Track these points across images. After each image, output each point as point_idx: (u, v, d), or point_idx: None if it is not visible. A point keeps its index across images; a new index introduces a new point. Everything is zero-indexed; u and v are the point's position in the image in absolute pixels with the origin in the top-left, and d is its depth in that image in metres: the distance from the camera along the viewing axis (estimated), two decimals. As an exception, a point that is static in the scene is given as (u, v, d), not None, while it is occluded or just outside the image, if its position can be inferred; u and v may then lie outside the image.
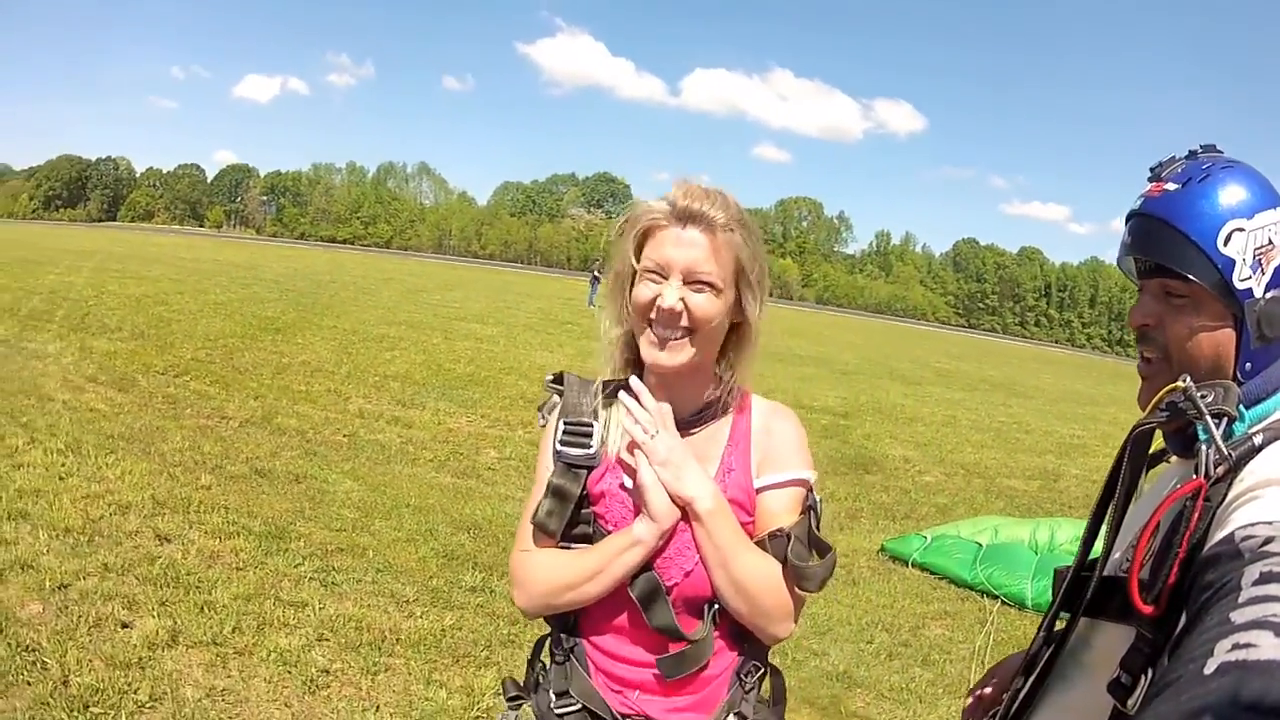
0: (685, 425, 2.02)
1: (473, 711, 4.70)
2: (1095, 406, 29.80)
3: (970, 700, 2.10)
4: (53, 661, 4.45)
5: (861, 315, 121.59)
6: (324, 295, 29.85)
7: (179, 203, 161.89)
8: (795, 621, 1.97)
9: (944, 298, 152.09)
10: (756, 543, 1.94)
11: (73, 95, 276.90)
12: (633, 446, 1.96)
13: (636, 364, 2.05)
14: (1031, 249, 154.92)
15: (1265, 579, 1.05)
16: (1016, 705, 1.73)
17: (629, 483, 1.98)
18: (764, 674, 2.08)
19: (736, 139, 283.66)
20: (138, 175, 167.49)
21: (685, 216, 1.87)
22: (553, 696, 2.04)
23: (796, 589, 1.92)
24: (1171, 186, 1.57)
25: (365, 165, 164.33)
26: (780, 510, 1.97)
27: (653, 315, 1.89)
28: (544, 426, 2.13)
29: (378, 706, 4.63)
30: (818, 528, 1.98)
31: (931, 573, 8.25)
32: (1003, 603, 7.42)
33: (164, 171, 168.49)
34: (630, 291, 1.95)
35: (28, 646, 4.56)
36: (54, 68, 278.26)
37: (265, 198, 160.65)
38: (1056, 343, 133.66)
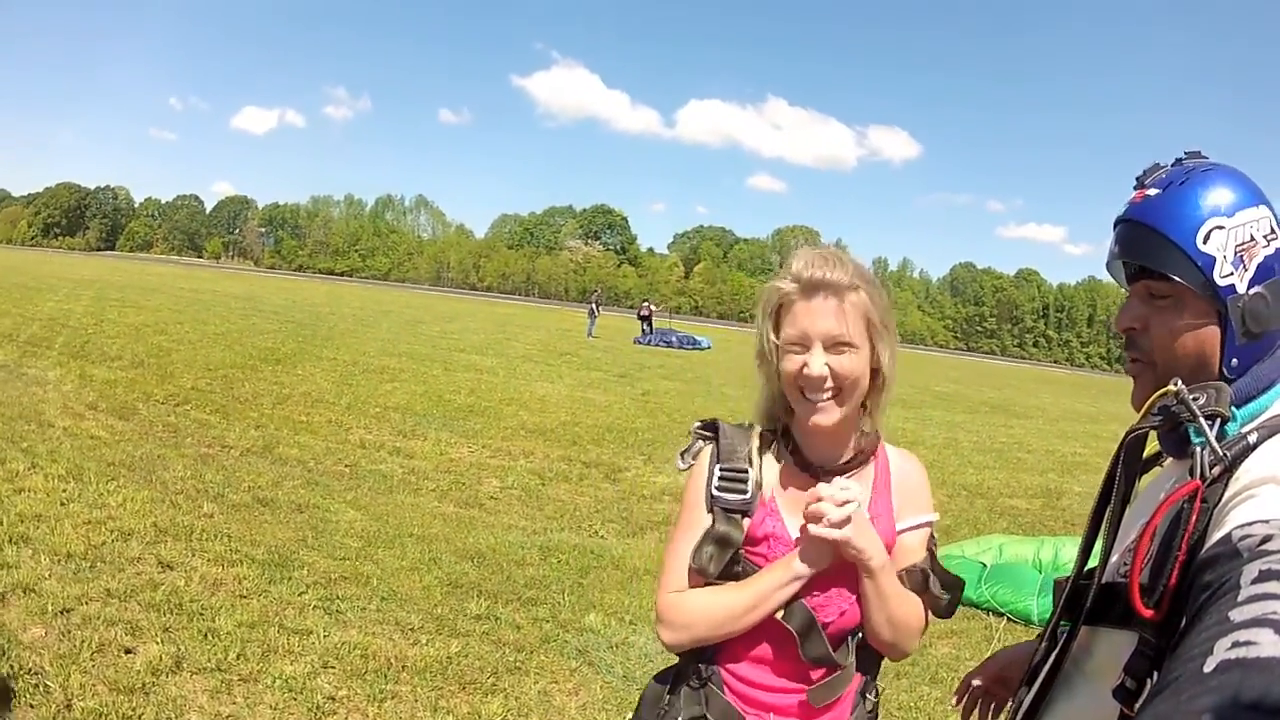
0: (839, 471, 2.11)
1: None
2: (1095, 424, 29.71)
3: (963, 684, 2.20)
4: (55, 685, 4.45)
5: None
6: (323, 327, 29.90)
7: (177, 233, 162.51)
8: (918, 644, 2.17)
9: (942, 322, 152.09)
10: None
11: (71, 124, 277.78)
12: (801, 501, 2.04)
13: (789, 418, 2.16)
14: (1029, 270, 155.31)
15: (1264, 577, 1.06)
16: (1021, 716, 1.74)
17: (794, 530, 2.05)
18: (879, 693, 2.22)
19: (732, 169, 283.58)
20: (136, 205, 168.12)
21: (812, 286, 1.99)
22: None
23: (930, 615, 2.14)
24: (1153, 192, 1.61)
25: (363, 198, 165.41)
26: (912, 549, 2.15)
27: (801, 383, 2.00)
28: (684, 470, 2.22)
29: (384, 733, 4.60)
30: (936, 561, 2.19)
31: None
32: (1008, 619, 7.45)
33: (163, 202, 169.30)
34: (777, 364, 2.06)
35: (30, 670, 4.56)
36: (53, 96, 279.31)
37: (263, 229, 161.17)
38: (1056, 363, 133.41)
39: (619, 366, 28.43)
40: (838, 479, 2.02)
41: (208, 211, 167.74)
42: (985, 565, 8.42)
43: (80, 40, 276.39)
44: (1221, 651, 0.95)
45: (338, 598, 6.28)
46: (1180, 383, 1.48)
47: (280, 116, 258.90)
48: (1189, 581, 1.26)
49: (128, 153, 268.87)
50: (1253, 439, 1.40)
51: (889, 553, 2.07)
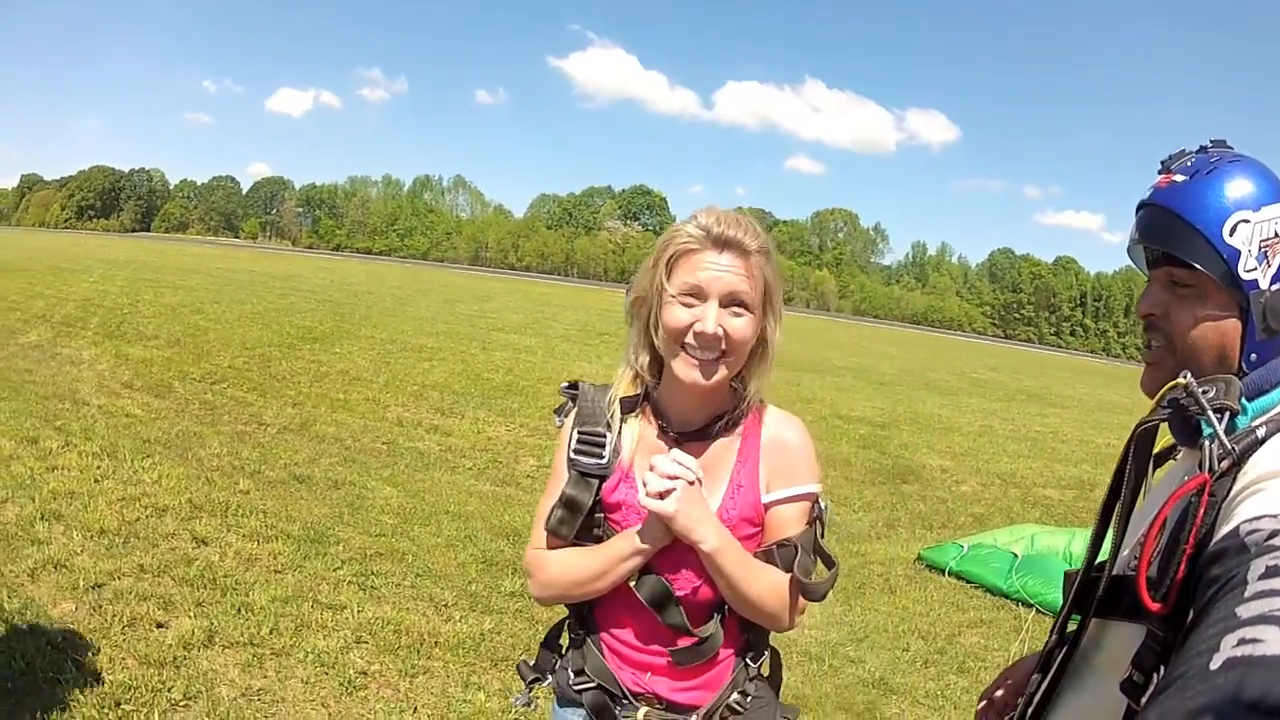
0: (700, 436, 2.12)
1: (510, 715, 4.71)
2: (1131, 415, 29.21)
3: (983, 703, 2.13)
4: (84, 659, 4.48)
5: (898, 326, 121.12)
6: (361, 306, 30.04)
7: (214, 214, 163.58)
8: (797, 620, 2.09)
9: (980, 308, 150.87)
10: (764, 551, 2.06)
11: (103, 108, 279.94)
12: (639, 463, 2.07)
13: (653, 376, 2.16)
14: (1066, 258, 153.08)
15: (1271, 573, 1.06)
16: (1031, 709, 1.75)
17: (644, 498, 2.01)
18: (767, 656, 2.25)
19: (770, 151, 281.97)
20: (171, 187, 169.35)
21: (721, 242, 1.97)
22: (570, 675, 2.21)
23: (801, 597, 2.05)
24: (1179, 178, 1.60)
25: (401, 178, 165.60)
26: (788, 522, 2.09)
27: (689, 339, 1.97)
28: (559, 428, 2.23)
29: (415, 708, 4.64)
30: (823, 536, 2.12)
31: (967, 581, 8.31)
32: (1037, 611, 7.40)
33: (198, 183, 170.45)
34: (658, 313, 2.02)
35: (58, 644, 4.59)
36: (83, 80, 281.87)
37: (301, 210, 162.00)
38: (1092, 352, 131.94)
39: (658, 347, 28.14)
40: (675, 450, 1.99)
41: (244, 192, 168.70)
42: (1016, 555, 8.43)
43: (111, 25, 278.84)
44: (1228, 648, 0.95)
45: (372, 573, 6.31)
46: (1189, 375, 1.49)
47: (315, 98, 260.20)
48: (1196, 575, 1.27)
49: (161, 136, 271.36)
50: (1261, 433, 1.40)
51: (756, 525, 2.09)
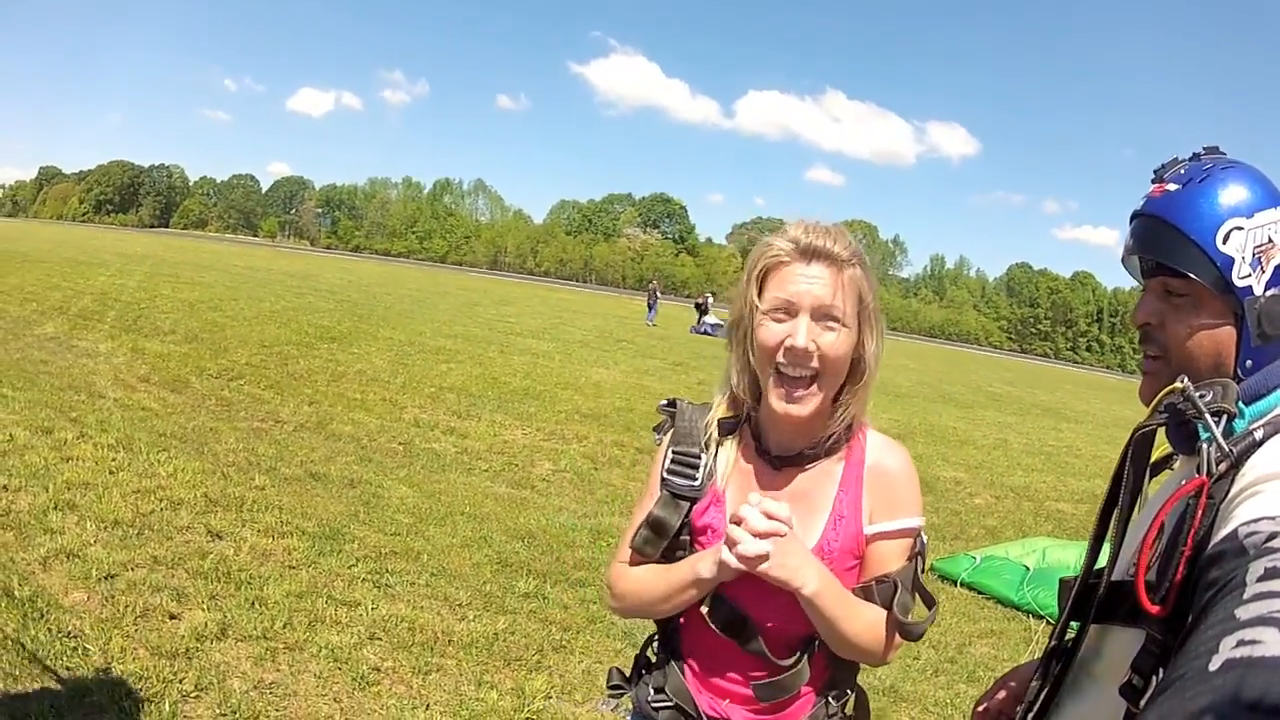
0: (799, 461, 2.04)
1: (523, 713, 4.72)
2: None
3: (982, 706, 2.12)
4: (95, 648, 4.50)
5: (916, 339, 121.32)
6: (379, 307, 30.14)
7: (233, 212, 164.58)
8: (891, 656, 2.03)
9: (997, 322, 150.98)
10: (863, 587, 1.98)
11: (121, 104, 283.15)
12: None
13: (753, 399, 2.08)
14: (1084, 273, 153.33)
15: (1270, 575, 1.06)
16: (1031, 716, 1.74)
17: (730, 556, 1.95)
18: (852, 695, 2.15)
19: (790, 161, 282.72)
20: (191, 184, 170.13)
21: (810, 253, 1.91)
22: (651, 691, 2.16)
23: (899, 635, 1.97)
24: (1172, 187, 1.61)
25: (421, 180, 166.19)
26: (890, 556, 2.00)
27: (780, 357, 1.90)
28: (658, 445, 2.19)
29: (428, 705, 4.64)
30: (923, 571, 2.03)
31: (979, 592, 8.37)
32: (1048, 623, 7.42)
33: (218, 181, 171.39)
34: (754, 332, 1.95)
35: (69, 633, 4.61)
36: (102, 76, 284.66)
37: (320, 210, 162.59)
38: (1108, 368, 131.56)
39: (675, 355, 28.43)
40: (763, 500, 1.85)
41: (263, 191, 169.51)
42: (1028, 568, 8.50)
43: (130, 19, 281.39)
44: (1226, 650, 0.95)
45: (387, 571, 6.31)
46: (1186, 380, 1.49)
47: (337, 99, 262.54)
48: (1195, 578, 1.26)
49: (180, 133, 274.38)
50: (1259, 435, 1.40)
51: (858, 557, 2.01)
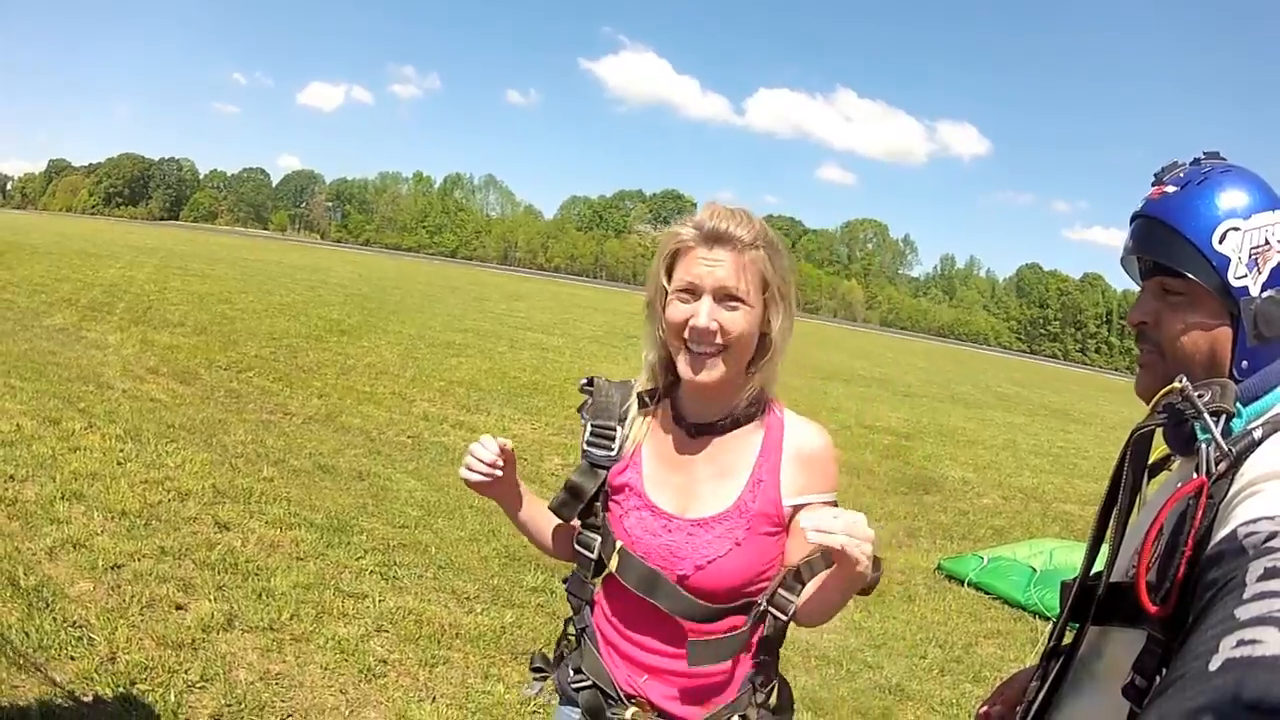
0: (714, 430, 2.15)
1: (529, 707, 4.72)
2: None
3: (983, 709, 2.15)
4: (100, 638, 4.50)
5: (925, 338, 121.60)
6: (390, 300, 30.23)
7: (243, 205, 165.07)
8: None
9: (1006, 323, 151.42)
10: (807, 564, 2.02)
11: (131, 97, 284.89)
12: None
13: (672, 377, 2.18)
14: (1094, 275, 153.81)
15: (1269, 574, 1.07)
16: (1031, 716, 1.75)
17: (648, 485, 2.16)
18: (774, 685, 2.20)
19: (801, 160, 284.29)
20: (201, 177, 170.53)
21: (712, 237, 2.00)
22: (570, 672, 2.26)
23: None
24: (1171, 189, 1.63)
25: (432, 175, 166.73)
26: None
27: (687, 334, 2.01)
28: (584, 425, 2.30)
29: (434, 697, 4.65)
30: None
31: (986, 593, 8.41)
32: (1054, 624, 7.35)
33: (228, 174, 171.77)
34: (664, 313, 2.08)
35: (75, 622, 4.61)
36: (112, 69, 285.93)
37: (330, 204, 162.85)
38: (1116, 370, 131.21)
39: (687, 351, 28.21)
40: (845, 514, 1.82)
41: (274, 185, 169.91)
42: (1035, 570, 8.51)
43: (140, 11, 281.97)
44: (1226, 650, 0.96)
45: (395, 564, 6.32)
46: (1185, 380, 1.50)
47: (347, 93, 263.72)
48: (1195, 578, 1.27)
49: (189, 126, 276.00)
50: (1258, 435, 1.41)
51: (776, 524, 2.09)
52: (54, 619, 4.58)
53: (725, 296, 1.98)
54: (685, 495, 2.11)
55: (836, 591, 1.95)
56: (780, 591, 2.04)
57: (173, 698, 4.12)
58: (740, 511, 2.06)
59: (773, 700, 2.19)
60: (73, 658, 4.29)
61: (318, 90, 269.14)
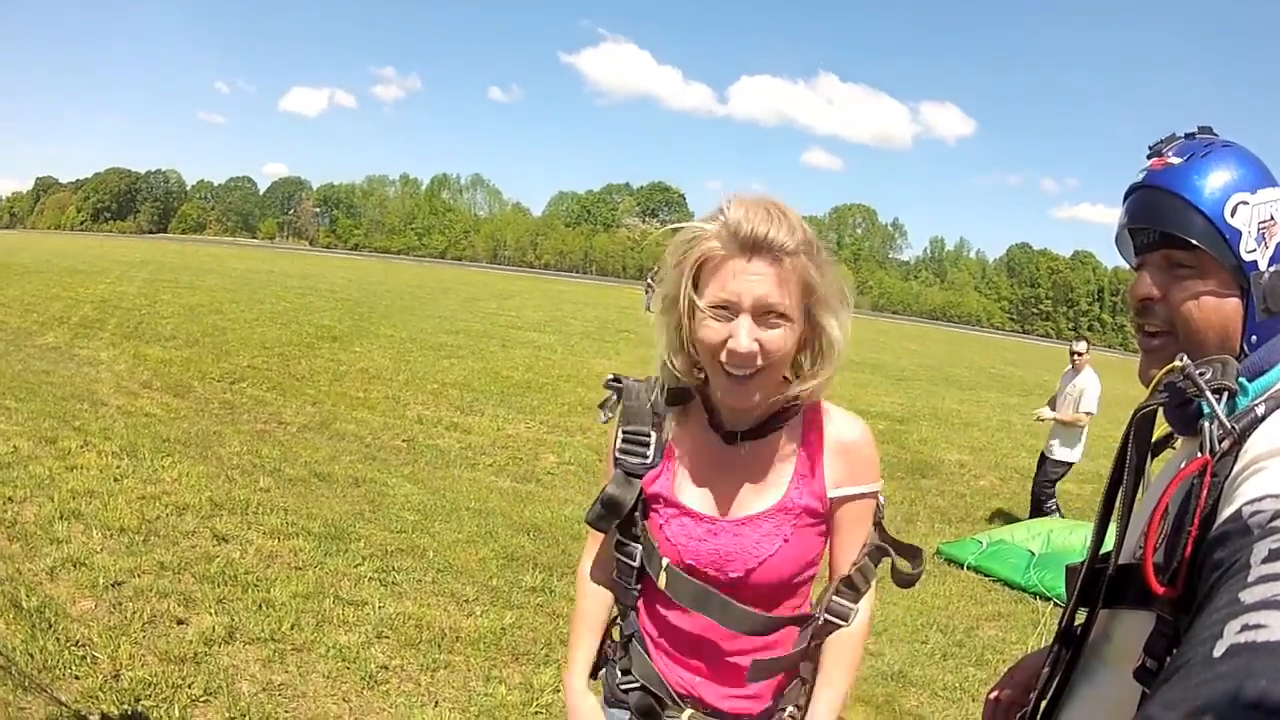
0: (756, 434, 2.02)
1: (531, 708, 4.74)
2: (1147, 410, 29.81)
3: (993, 694, 2.10)
4: (104, 656, 4.50)
5: (917, 321, 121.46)
6: (380, 305, 30.15)
7: (231, 215, 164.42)
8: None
9: (998, 303, 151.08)
10: (859, 569, 2.05)
11: (116, 110, 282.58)
12: None
13: (695, 373, 2.03)
14: (1084, 253, 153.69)
15: (1274, 556, 1.04)
16: (1044, 705, 1.75)
17: (683, 492, 2.05)
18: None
19: (786, 146, 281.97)
20: (189, 188, 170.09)
21: (749, 246, 1.78)
22: (619, 674, 2.20)
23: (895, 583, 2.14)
24: (1175, 160, 1.59)
25: (418, 177, 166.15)
26: (857, 516, 2.07)
27: (724, 357, 1.82)
28: (606, 423, 2.19)
29: (436, 702, 4.66)
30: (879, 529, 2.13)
31: (986, 575, 8.45)
32: (1055, 604, 7.50)
33: (215, 184, 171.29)
34: (689, 322, 1.89)
35: (78, 641, 4.61)
36: (95, 82, 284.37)
37: (318, 209, 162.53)
38: (1110, 347, 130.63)
39: (679, 343, 28.24)
40: None
41: (261, 193, 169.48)
42: (1034, 553, 8.58)
43: (121, 26, 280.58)
44: (1231, 635, 0.93)
45: (394, 569, 6.33)
46: (1185, 358, 1.48)
47: (330, 97, 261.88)
48: (1201, 558, 1.26)
49: (176, 137, 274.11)
50: (1261, 411, 1.40)
51: (820, 516, 2.03)
52: (57, 639, 4.57)
53: (766, 311, 1.78)
54: (726, 497, 2.02)
55: None
56: (835, 599, 2.04)
57: (177, 713, 4.13)
58: (786, 508, 1.98)
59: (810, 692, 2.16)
60: (77, 677, 4.29)
61: (300, 95, 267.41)
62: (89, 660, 4.45)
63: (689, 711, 2.08)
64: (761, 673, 2.02)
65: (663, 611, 2.09)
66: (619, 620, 2.25)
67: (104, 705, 4.09)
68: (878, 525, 2.09)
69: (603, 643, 2.31)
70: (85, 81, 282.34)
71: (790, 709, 2.08)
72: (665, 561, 2.02)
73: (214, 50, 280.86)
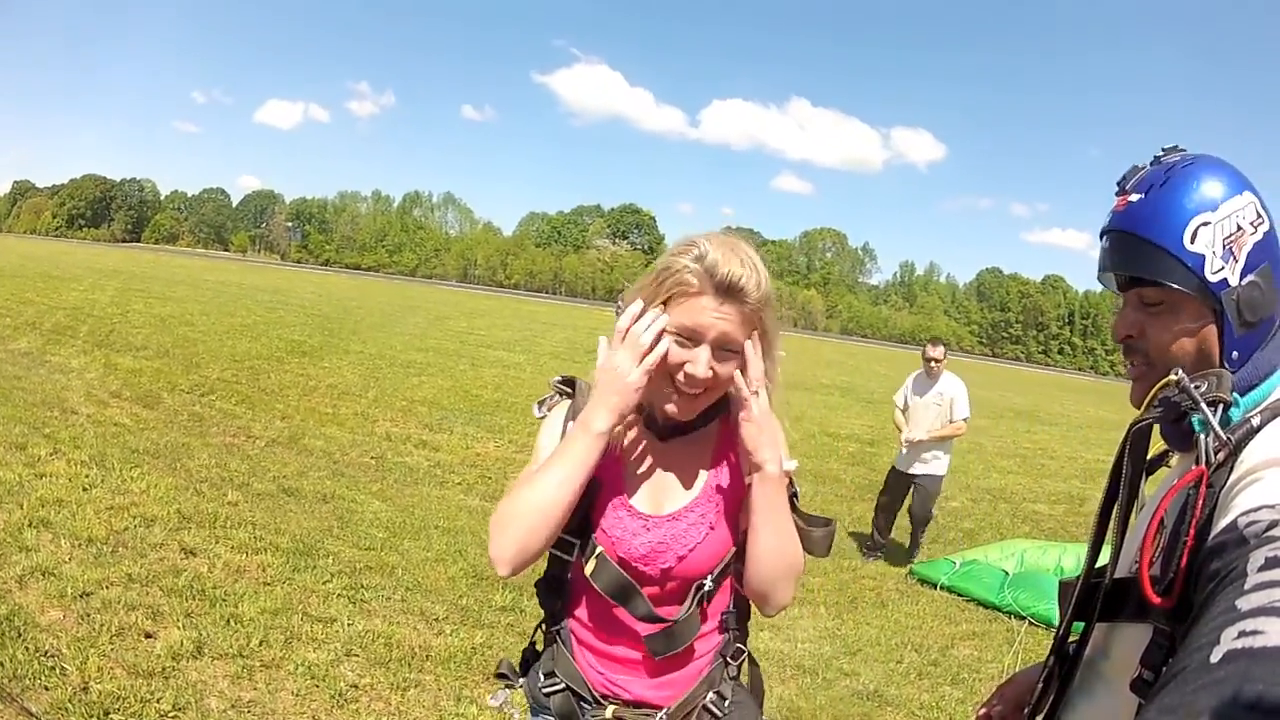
0: (685, 430, 2.13)
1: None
2: (1119, 431, 29.44)
3: (982, 710, 2.11)
4: (72, 668, 4.43)
5: (887, 345, 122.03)
6: (350, 321, 30.08)
7: (204, 226, 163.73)
8: (791, 594, 2.11)
9: (968, 327, 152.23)
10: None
11: (93, 117, 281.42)
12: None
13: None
14: (1055, 277, 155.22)
15: (1270, 564, 1.05)
16: (1041, 717, 1.75)
17: (623, 487, 2.10)
18: (745, 658, 2.25)
19: (757, 170, 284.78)
20: (163, 198, 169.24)
21: (724, 290, 1.91)
22: (541, 677, 2.22)
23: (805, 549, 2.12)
24: (1135, 197, 1.60)
25: (391, 194, 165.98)
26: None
27: (681, 377, 1.95)
28: (540, 417, 2.21)
29: (407, 721, 4.60)
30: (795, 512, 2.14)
31: (959, 595, 8.44)
32: (1030, 623, 7.53)
33: (189, 195, 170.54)
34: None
35: (47, 652, 4.54)
36: (74, 89, 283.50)
37: (290, 224, 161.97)
38: (1080, 370, 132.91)
39: (646, 364, 28.33)
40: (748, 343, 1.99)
41: (234, 205, 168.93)
42: (1007, 573, 8.58)
43: (100, 34, 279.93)
44: (1228, 641, 0.95)
45: (362, 587, 6.27)
46: (1180, 372, 1.49)
47: (304, 111, 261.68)
48: (1198, 569, 1.26)
49: (151, 146, 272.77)
50: (1256, 422, 1.40)
51: (742, 502, 2.10)
52: (26, 648, 4.51)
53: (724, 345, 1.93)
54: (660, 493, 2.10)
55: (764, 512, 2.00)
56: (735, 564, 2.10)
57: (146, 727, 4.09)
58: (708, 496, 2.08)
59: (744, 672, 2.24)
60: (46, 688, 4.23)
61: (275, 108, 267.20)
62: (58, 671, 4.39)
63: (611, 708, 2.12)
64: (657, 645, 2.05)
65: (589, 604, 2.13)
66: (545, 620, 2.27)
67: (73, 718, 4.03)
68: (790, 500, 2.10)
69: (526, 648, 2.36)
70: (68, 85, 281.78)
71: (711, 695, 2.13)
72: (599, 549, 2.05)
73: (192, 59, 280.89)
